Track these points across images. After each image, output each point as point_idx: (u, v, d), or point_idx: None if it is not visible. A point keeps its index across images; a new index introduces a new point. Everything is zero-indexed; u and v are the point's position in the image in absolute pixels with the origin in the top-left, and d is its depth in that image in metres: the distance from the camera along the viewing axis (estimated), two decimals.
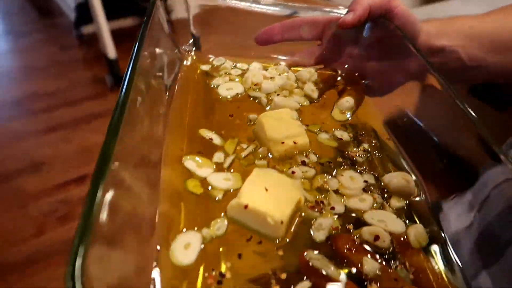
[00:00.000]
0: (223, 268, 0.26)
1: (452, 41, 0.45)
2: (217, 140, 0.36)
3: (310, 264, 0.26)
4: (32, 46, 2.02)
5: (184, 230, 0.28)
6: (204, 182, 0.32)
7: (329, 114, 0.43)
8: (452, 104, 0.34)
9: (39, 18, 2.28)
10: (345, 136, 0.40)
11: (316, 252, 0.28)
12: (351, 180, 0.35)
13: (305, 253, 0.27)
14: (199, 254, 0.27)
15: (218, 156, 0.34)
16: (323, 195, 0.32)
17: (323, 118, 0.42)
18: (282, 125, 0.35)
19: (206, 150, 0.35)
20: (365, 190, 0.34)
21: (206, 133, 0.37)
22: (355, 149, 0.39)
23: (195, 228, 0.28)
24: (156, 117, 0.36)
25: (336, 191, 0.33)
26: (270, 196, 0.28)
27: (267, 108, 0.41)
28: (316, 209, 0.31)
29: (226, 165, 0.34)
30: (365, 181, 0.35)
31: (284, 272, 0.26)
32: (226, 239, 0.28)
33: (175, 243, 0.27)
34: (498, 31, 0.45)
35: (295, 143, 0.34)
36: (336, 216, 0.31)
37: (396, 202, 0.34)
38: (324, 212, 0.31)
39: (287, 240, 0.28)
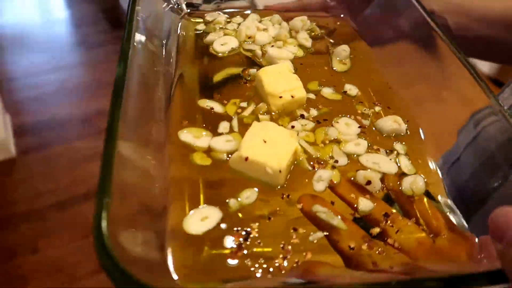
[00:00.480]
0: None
1: (441, 8, 0.46)
2: (218, 108, 0.36)
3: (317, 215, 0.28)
4: (103, 58, 1.92)
5: (204, 205, 0.29)
6: (208, 152, 0.33)
7: (327, 64, 0.43)
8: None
9: (112, 30, 2.14)
10: (353, 90, 0.41)
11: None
12: (347, 126, 0.36)
13: (313, 207, 0.29)
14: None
15: (224, 126, 0.34)
16: (324, 147, 0.34)
17: (325, 72, 0.43)
18: (280, 80, 0.36)
19: (209, 121, 0.35)
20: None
21: (206, 103, 0.37)
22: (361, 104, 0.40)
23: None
24: (156, 77, 0.37)
25: (336, 141, 0.35)
26: (268, 147, 0.30)
27: (261, 59, 0.42)
28: (315, 168, 0.32)
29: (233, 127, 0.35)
30: (360, 126, 0.37)
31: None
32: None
33: (192, 216, 0.28)
34: (489, 5, 0.46)
35: (292, 97, 0.36)
36: (335, 168, 0.33)
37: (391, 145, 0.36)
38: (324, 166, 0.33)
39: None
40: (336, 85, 0.41)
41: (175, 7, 0.47)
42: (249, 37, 0.43)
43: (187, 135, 0.33)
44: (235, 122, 0.35)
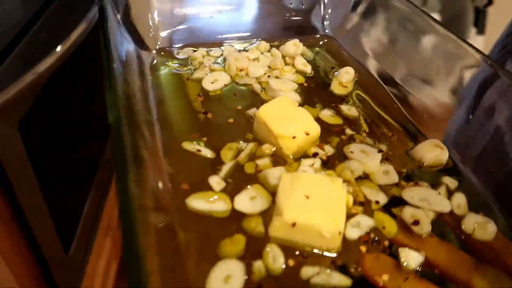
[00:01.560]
0: None
1: None
2: (206, 151, 0.30)
3: None
4: None
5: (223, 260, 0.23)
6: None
7: (326, 88, 0.38)
8: None
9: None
10: (352, 110, 0.36)
11: None
12: (366, 155, 0.31)
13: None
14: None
15: (216, 181, 0.27)
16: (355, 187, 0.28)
17: (324, 96, 0.38)
18: (286, 117, 0.30)
19: (196, 167, 0.29)
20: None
21: (192, 146, 0.30)
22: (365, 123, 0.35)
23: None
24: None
25: (364, 176, 0.29)
26: (314, 204, 0.23)
27: (261, 92, 0.36)
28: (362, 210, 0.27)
29: (222, 174, 0.28)
30: (380, 151, 0.31)
31: None
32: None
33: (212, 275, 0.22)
34: None
35: (307, 134, 0.30)
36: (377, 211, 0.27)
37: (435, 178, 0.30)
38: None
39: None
40: (335, 109, 0.36)
41: (143, 47, 0.41)
42: (240, 70, 0.38)
43: (199, 203, 0.26)
44: (226, 168, 0.29)
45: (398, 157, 0.32)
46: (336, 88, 0.39)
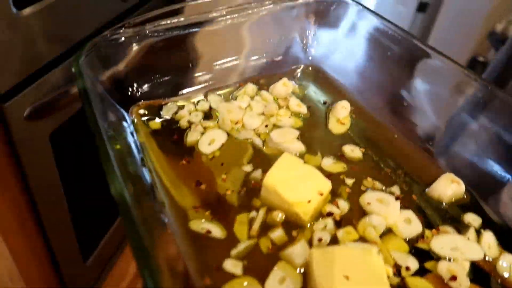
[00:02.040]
0: None
1: None
2: (216, 231, 0.27)
3: None
4: None
5: None
6: None
7: (324, 129, 0.37)
8: None
9: None
10: (355, 151, 0.34)
11: None
12: (383, 204, 0.29)
13: None
14: None
15: (232, 264, 0.25)
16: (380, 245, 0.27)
17: (321, 138, 0.36)
18: (295, 179, 0.28)
19: (209, 252, 0.26)
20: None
21: (200, 225, 0.28)
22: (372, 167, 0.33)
23: None
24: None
25: (388, 231, 0.28)
26: (356, 284, 0.22)
27: (263, 147, 0.34)
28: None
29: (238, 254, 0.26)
30: (397, 198, 0.30)
31: None
32: None
33: None
34: None
35: (321, 194, 0.28)
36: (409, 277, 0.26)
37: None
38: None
39: None
40: (335, 152, 0.34)
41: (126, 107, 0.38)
42: (236, 123, 0.35)
43: None
44: (244, 248, 0.26)
45: (414, 199, 0.31)
46: (334, 126, 0.37)
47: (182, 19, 0.39)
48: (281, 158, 0.30)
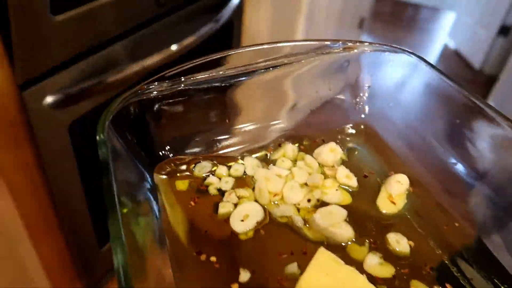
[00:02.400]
0: None
1: None
2: None
3: None
4: None
5: None
6: None
7: (373, 206, 0.31)
8: None
9: None
10: (402, 244, 0.28)
11: None
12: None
13: None
14: None
15: None
16: None
17: (372, 219, 0.30)
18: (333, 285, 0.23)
19: None
20: None
21: None
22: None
23: None
24: None
25: None
26: None
27: (305, 226, 0.29)
28: None
29: None
30: None
31: None
32: None
33: None
34: None
35: None
36: None
37: None
38: None
39: None
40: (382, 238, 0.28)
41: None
42: (274, 195, 0.31)
43: None
44: None
45: None
46: (383, 203, 0.32)
47: (220, 72, 0.35)
48: (316, 256, 0.25)
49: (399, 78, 0.41)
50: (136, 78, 0.70)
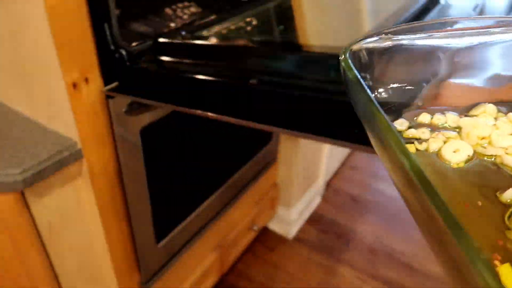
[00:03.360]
0: None
1: None
2: None
3: None
4: None
5: None
6: None
7: None
8: None
9: None
10: None
11: None
12: None
13: None
14: None
15: None
16: None
17: None
18: None
19: None
20: None
21: None
22: None
23: None
24: None
25: None
26: None
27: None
28: None
29: None
30: None
31: None
32: None
33: None
34: None
35: None
36: None
37: None
38: None
39: None
40: None
41: None
42: (482, 138, 0.35)
43: None
44: None
45: None
46: None
47: (438, 34, 0.40)
48: None
49: None
50: None
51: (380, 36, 0.40)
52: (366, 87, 0.31)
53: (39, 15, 0.61)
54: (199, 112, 0.69)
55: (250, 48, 0.73)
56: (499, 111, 0.39)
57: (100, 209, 0.87)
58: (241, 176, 1.27)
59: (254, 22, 0.92)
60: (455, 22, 0.41)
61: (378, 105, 0.28)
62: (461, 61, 0.44)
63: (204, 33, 0.83)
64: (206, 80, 0.67)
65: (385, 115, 0.28)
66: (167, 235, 1.09)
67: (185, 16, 0.96)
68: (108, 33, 0.70)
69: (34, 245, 0.82)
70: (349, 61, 0.34)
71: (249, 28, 0.89)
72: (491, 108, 0.39)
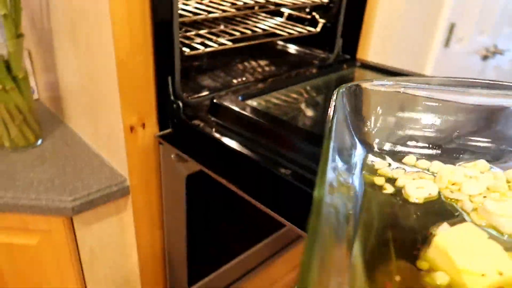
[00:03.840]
0: None
1: None
2: None
3: None
4: None
5: None
6: None
7: None
8: None
9: None
10: None
11: None
12: None
13: None
14: None
15: None
16: None
17: None
18: (473, 248, 0.26)
19: None
20: None
21: None
22: None
23: None
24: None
25: None
26: None
27: (471, 212, 0.32)
28: None
29: None
30: None
31: None
32: None
33: None
34: None
35: (500, 274, 0.24)
36: None
37: None
38: None
39: None
40: None
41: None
42: (452, 184, 0.35)
43: None
44: None
45: None
46: None
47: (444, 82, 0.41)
48: (463, 224, 0.28)
49: None
50: None
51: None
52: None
53: (110, 66, 0.73)
54: (224, 181, 0.68)
55: (289, 134, 0.66)
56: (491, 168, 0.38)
57: (138, 246, 0.92)
58: (281, 236, 1.25)
59: (313, 94, 0.95)
60: None
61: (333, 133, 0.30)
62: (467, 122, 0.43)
63: (261, 101, 0.87)
64: (242, 153, 0.66)
65: (331, 142, 0.29)
66: (200, 280, 1.10)
67: (257, 73, 1.00)
68: (170, 84, 0.80)
69: (75, 267, 0.88)
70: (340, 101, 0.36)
71: (307, 96, 0.92)
72: (482, 163, 0.38)
